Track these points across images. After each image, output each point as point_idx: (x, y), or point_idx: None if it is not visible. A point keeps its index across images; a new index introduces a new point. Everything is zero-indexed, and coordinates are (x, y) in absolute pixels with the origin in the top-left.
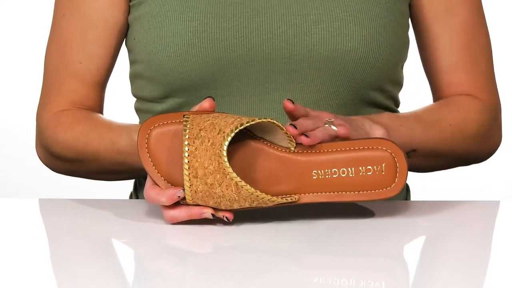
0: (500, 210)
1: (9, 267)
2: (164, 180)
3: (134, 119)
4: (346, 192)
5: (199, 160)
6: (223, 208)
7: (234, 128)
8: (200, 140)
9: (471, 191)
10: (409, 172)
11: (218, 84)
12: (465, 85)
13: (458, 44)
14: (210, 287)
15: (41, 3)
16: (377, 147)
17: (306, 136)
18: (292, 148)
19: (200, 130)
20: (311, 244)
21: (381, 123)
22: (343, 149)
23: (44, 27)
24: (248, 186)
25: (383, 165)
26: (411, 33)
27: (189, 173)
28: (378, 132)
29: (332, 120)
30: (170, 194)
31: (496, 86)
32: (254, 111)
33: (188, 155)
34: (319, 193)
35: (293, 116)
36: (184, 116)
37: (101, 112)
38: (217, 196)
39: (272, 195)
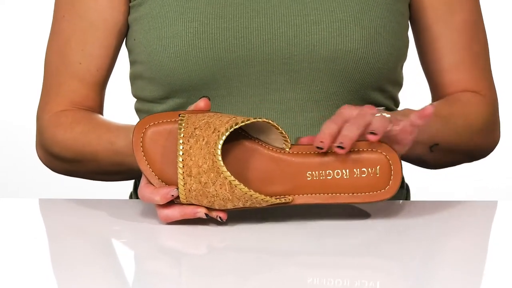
0: (498, 210)
1: (9, 267)
2: (159, 179)
3: (135, 120)
4: (340, 193)
5: (193, 159)
6: (217, 207)
7: (229, 127)
8: (194, 139)
9: (469, 191)
10: (409, 172)
11: (218, 85)
12: (466, 82)
13: (460, 43)
14: (206, 287)
15: (41, 4)
16: (371, 149)
17: (373, 133)
18: (287, 149)
19: (195, 128)
20: (306, 244)
21: None
22: None
23: (44, 27)
24: (242, 186)
25: (378, 167)
26: (409, 33)
27: (183, 172)
28: None
29: (382, 108)
30: (164, 193)
31: (493, 82)
32: (255, 111)
33: (183, 154)
34: (313, 195)
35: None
36: (179, 115)
37: (101, 113)
38: (211, 195)
39: (266, 196)
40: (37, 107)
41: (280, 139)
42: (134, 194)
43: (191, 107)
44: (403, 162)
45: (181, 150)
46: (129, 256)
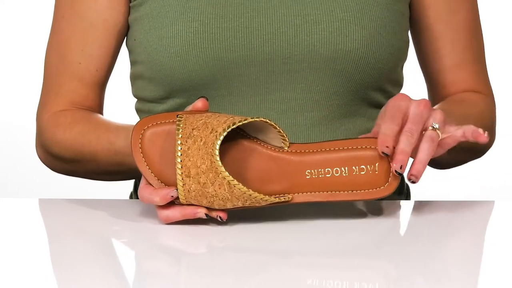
0: (495, 210)
1: (9, 267)
2: (158, 180)
3: (135, 120)
4: (339, 191)
5: (191, 159)
6: (217, 207)
7: (226, 127)
8: (192, 139)
9: (468, 191)
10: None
11: (218, 85)
12: (468, 82)
13: (461, 42)
14: (205, 287)
15: (41, 4)
16: (370, 147)
17: (414, 179)
18: (286, 148)
19: (192, 129)
20: (306, 245)
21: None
22: (336, 148)
23: (44, 27)
24: (241, 185)
25: (376, 164)
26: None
27: (181, 172)
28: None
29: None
30: (163, 194)
31: (489, 81)
32: (255, 111)
33: (181, 154)
34: (312, 193)
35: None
36: (177, 116)
37: (101, 113)
38: (210, 195)
39: (265, 195)
40: (36, 107)
41: (279, 138)
42: (134, 194)
43: (189, 108)
44: None
45: (179, 151)
46: (129, 256)
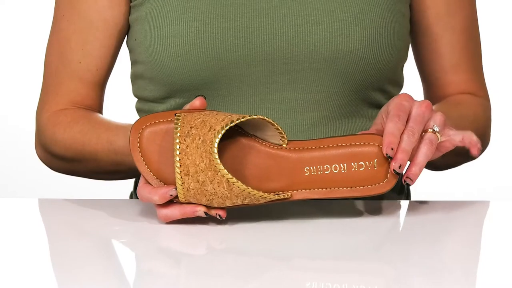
0: (491, 210)
1: (9, 267)
2: (157, 178)
3: (135, 120)
4: (338, 188)
5: (190, 158)
6: (216, 206)
7: (224, 125)
8: (191, 138)
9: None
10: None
11: (219, 84)
12: (465, 83)
13: (459, 43)
14: None
15: (41, 3)
16: (368, 143)
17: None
18: (284, 145)
19: (191, 127)
20: (306, 247)
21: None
22: (334, 145)
23: (44, 27)
24: (240, 183)
25: (375, 160)
26: None
27: (180, 171)
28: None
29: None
30: (162, 193)
31: (485, 83)
32: (255, 111)
33: (180, 153)
34: (311, 190)
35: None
36: (175, 114)
37: (101, 112)
38: (209, 193)
39: (264, 192)
40: (36, 106)
41: (277, 135)
42: (135, 194)
43: (187, 106)
44: None
45: (177, 149)
46: (129, 256)
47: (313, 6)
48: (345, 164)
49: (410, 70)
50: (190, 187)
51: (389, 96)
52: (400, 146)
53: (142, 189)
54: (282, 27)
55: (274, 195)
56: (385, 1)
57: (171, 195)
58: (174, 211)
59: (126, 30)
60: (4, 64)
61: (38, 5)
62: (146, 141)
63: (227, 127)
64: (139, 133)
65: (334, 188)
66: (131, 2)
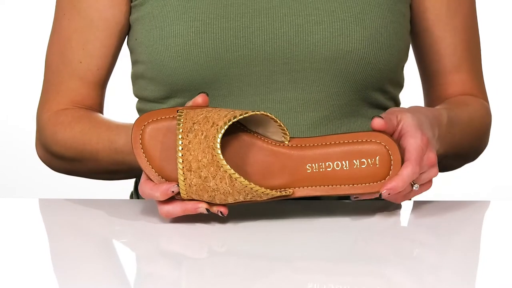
0: (490, 209)
1: (9, 267)
2: (158, 175)
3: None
4: (340, 185)
5: (192, 153)
6: (218, 202)
7: (227, 121)
8: (193, 134)
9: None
10: None
11: (219, 84)
12: (466, 84)
13: (461, 44)
14: None
15: (42, 3)
16: (371, 140)
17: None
18: (286, 142)
19: (193, 123)
20: (306, 248)
21: (439, 140)
22: (337, 142)
23: (45, 27)
24: (242, 178)
25: (377, 157)
26: None
27: (183, 167)
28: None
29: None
30: (164, 189)
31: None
32: None
33: (182, 149)
34: (313, 187)
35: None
36: (177, 111)
37: (101, 112)
38: (211, 189)
39: (266, 189)
40: (37, 106)
41: (279, 132)
42: (135, 194)
43: (189, 103)
44: None
45: (180, 145)
46: (129, 257)
47: (313, 6)
48: (347, 161)
49: (410, 71)
50: (192, 183)
51: (390, 96)
52: (402, 179)
53: (144, 185)
54: (283, 27)
55: (276, 191)
56: (385, 1)
57: (173, 191)
58: (176, 208)
59: (126, 30)
60: (4, 64)
61: (39, 5)
62: (148, 138)
63: (230, 123)
64: (141, 130)
65: (336, 185)
66: (131, 2)
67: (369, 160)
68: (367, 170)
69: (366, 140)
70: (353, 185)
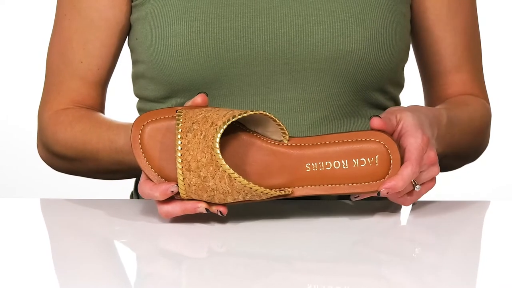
0: (491, 209)
1: (9, 267)
2: (158, 175)
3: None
4: (340, 184)
5: (192, 153)
6: (217, 202)
7: (226, 121)
8: (192, 133)
9: (466, 191)
10: None
11: (220, 84)
12: (466, 84)
13: (461, 44)
14: None
15: (42, 3)
16: (370, 139)
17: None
18: (285, 141)
19: (192, 123)
20: (306, 248)
21: (438, 140)
22: (336, 141)
23: (45, 27)
24: (241, 178)
25: (376, 157)
26: None
27: (182, 166)
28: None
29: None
30: (163, 189)
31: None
32: None
33: (181, 148)
34: (312, 186)
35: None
36: (177, 110)
37: (102, 112)
38: (211, 189)
39: (266, 188)
40: (37, 106)
41: (278, 131)
42: (135, 194)
43: (188, 103)
44: None
45: (179, 145)
46: (130, 256)
47: (314, 6)
48: (346, 161)
49: (410, 71)
50: (192, 182)
51: (390, 96)
52: (402, 178)
53: (143, 185)
54: (283, 27)
55: (276, 191)
56: (386, 1)
57: (172, 191)
58: (175, 208)
59: (127, 30)
60: (5, 64)
61: (39, 5)
62: (147, 138)
63: (229, 122)
64: (140, 130)
65: (336, 184)
66: (132, 1)
67: (368, 159)
68: (366, 169)
69: (365, 139)
70: (352, 184)
